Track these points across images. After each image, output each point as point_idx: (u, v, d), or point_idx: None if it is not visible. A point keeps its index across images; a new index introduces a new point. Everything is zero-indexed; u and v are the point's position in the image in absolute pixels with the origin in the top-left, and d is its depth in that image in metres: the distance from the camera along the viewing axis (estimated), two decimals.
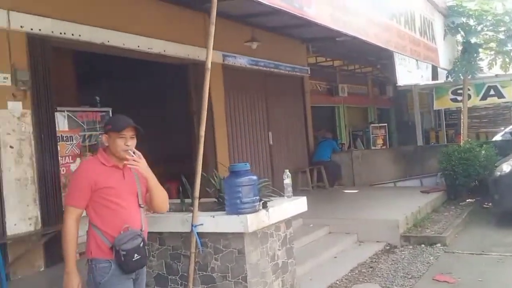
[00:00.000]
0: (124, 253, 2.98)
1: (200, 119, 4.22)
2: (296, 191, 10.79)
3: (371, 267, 6.35)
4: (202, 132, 4.19)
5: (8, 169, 5.75)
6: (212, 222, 4.15)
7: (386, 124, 17.35)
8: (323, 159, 12.23)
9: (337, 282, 5.83)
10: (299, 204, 4.90)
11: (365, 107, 19.98)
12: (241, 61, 9.96)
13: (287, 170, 4.96)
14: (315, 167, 12.02)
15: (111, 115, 8.08)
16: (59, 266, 6.13)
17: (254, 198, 4.12)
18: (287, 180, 4.87)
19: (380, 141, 16.18)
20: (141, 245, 3.09)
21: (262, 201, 4.30)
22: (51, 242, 6.12)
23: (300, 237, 6.96)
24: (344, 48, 12.91)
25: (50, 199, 6.23)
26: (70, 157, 7.36)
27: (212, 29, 4.05)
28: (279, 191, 5.14)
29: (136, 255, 3.03)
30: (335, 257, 6.75)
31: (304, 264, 6.05)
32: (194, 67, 8.73)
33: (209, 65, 4.08)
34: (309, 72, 12.73)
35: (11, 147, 5.81)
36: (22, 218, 5.88)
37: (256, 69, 10.48)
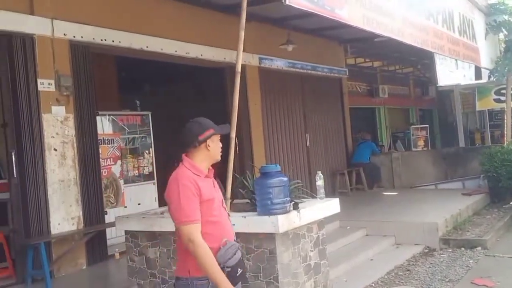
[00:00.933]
0: (229, 269, 2.76)
1: (231, 121, 4.29)
2: (334, 194, 10.85)
3: (408, 270, 6.26)
4: (233, 134, 4.28)
5: (52, 171, 6.02)
6: (244, 223, 4.21)
7: (427, 126, 16.97)
8: (362, 161, 12.10)
9: (373, 284, 5.79)
10: (331, 206, 4.90)
11: (406, 108, 19.62)
12: (278, 63, 10.02)
13: (319, 172, 4.97)
14: (354, 169, 11.91)
15: (150, 118, 8.32)
16: (100, 265, 6.41)
17: (285, 199, 4.15)
18: (319, 182, 4.88)
19: (421, 143, 15.85)
20: (242, 258, 2.91)
21: (293, 202, 4.33)
22: (92, 241, 6.37)
23: (336, 239, 6.95)
24: (384, 49, 12.75)
25: (91, 199, 6.48)
26: (111, 159, 7.62)
27: (242, 34, 4.12)
28: (311, 193, 5.16)
29: (239, 269, 2.83)
30: (371, 260, 6.69)
31: (340, 266, 6.04)
32: (230, 70, 8.80)
33: (239, 69, 4.15)
34: (347, 74, 12.65)
35: (55, 149, 6.08)
36: (66, 218, 6.14)
37: (293, 71, 10.51)
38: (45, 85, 6.02)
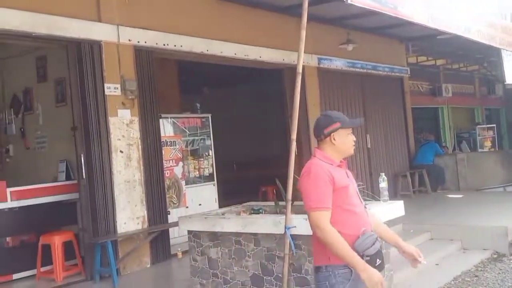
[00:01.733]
0: (368, 258, 2.70)
1: (292, 123, 4.27)
2: (397, 196, 10.58)
3: (476, 276, 6.00)
4: (294, 136, 4.26)
5: (118, 172, 6.25)
6: (305, 225, 4.16)
7: (494, 125, 16.21)
8: (425, 163, 11.74)
9: None
10: (395, 208, 4.77)
11: (471, 107, 18.85)
12: (337, 63, 9.91)
13: (383, 174, 4.86)
14: (417, 171, 11.57)
15: (210, 120, 8.46)
16: (163, 264, 6.57)
17: None
18: (383, 184, 4.77)
19: (488, 143, 15.18)
20: (380, 249, 2.83)
21: None
22: (156, 241, 6.55)
23: None
24: (448, 46, 12.31)
25: (155, 200, 6.67)
26: (174, 160, 7.80)
27: (303, 34, 4.10)
28: (375, 195, 5.05)
29: (378, 259, 2.76)
30: (436, 264, 6.45)
31: (404, 270, 5.84)
32: (289, 72, 8.82)
33: (300, 70, 4.13)
34: (409, 73, 12.32)
35: (121, 151, 6.30)
36: (131, 217, 6.35)
37: (353, 71, 10.37)
38: (111, 89, 6.25)
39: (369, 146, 10.73)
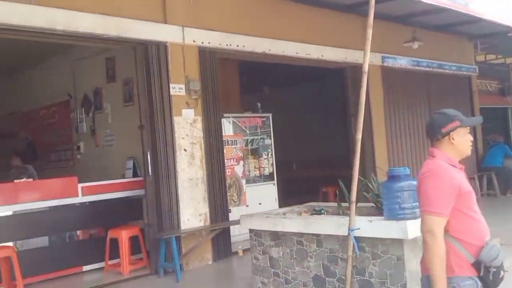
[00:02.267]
0: (495, 270, 2.51)
1: (357, 123, 4.20)
2: None
3: None
4: (359, 136, 4.17)
5: (182, 170, 6.39)
6: (369, 227, 4.10)
7: None
8: (494, 165, 11.21)
9: None
10: None
11: None
12: (401, 62, 9.67)
13: None
14: (485, 174, 11.08)
15: (271, 120, 8.48)
16: (225, 261, 6.66)
17: (414, 204, 3.96)
18: None
19: None
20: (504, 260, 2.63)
21: None
22: (217, 238, 6.65)
23: None
24: None
25: (217, 197, 6.77)
26: (234, 159, 7.89)
27: (370, 32, 4.02)
28: None
29: (502, 271, 2.57)
30: (506, 271, 6.14)
31: None
32: (351, 70, 8.71)
33: (366, 69, 4.05)
34: (477, 71, 11.81)
35: (185, 150, 6.45)
36: (194, 214, 6.48)
37: (418, 69, 10.08)
38: (176, 89, 6.41)
39: None
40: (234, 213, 7.34)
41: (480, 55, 13.09)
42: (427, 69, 10.25)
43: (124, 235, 6.29)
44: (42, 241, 6.48)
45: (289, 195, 8.97)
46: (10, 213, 6.07)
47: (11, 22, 5.17)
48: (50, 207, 6.34)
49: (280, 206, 7.61)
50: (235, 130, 8.04)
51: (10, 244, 5.98)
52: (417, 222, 3.94)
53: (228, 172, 7.58)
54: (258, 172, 8.30)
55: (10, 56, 8.53)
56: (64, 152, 9.41)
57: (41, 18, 5.34)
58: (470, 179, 10.73)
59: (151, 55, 6.25)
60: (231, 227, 6.94)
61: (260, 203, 8.01)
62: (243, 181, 8.01)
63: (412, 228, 3.89)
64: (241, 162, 8.00)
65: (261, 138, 8.39)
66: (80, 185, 6.50)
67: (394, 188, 3.92)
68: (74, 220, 6.66)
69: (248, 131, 8.21)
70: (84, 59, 8.39)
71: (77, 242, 6.85)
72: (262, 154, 8.37)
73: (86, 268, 6.56)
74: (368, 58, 4.06)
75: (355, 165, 4.20)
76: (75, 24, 5.59)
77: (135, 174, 7.31)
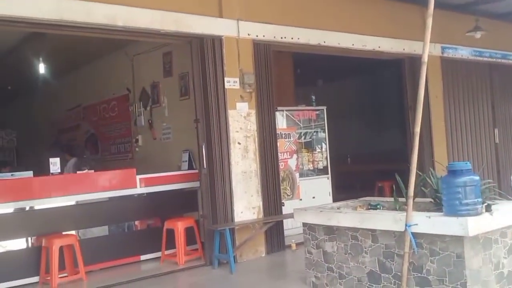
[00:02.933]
0: None
1: (415, 115, 4.08)
2: None
3: None
4: (418, 129, 4.05)
5: (236, 163, 6.45)
6: (428, 223, 3.98)
7: None
8: None
9: None
10: None
11: None
12: (463, 52, 9.31)
13: None
14: None
15: (325, 112, 8.39)
16: (278, 254, 6.67)
17: (476, 200, 3.81)
18: None
19: None
20: None
21: (485, 204, 3.95)
22: (271, 231, 6.67)
23: None
24: None
25: (270, 191, 6.78)
26: (288, 153, 7.88)
27: (430, 21, 3.88)
28: (506, 194, 4.66)
29: None
30: None
31: None
32: (409, 61, 8.47)
33: (426, 59, 3.92)
34: None
35: (239, 143, 6.50)
36: (247, 207, 6.53)
37: (480, 60, 9.67)
38: (231, 83, 6.46)
39: (497, 141, 9.94)
40: (288, 206, 7.33)
41: None
42: (490, 59, 9.81)
43: (180, 226, 6.42)
44: (102, 231, 6.74)
45: (344, 190, 8.86)
46: (73, 203, 6.34)
47: (74, 19, 5.38)
48: (110, 197, 6.57)
49: (334, 200, 7.53)
50: (289, 124, 8.02)
51: (73, 232, 6.25)
52: (479, 218, 3.81)
53: (282, 165, 7.57)
54: (311, 165, 8.25)
55: (72, 52, 8.90)
56: (123, 145, 9.72)
57: (102, 15, 5.52)
58: None
59: (206, 49, 6.32)
60: (284, 221, 6.94)
61: (313, 197, 7.97)
62: (297, 175, 7.98)
63: (473, 225, 3.74)
64: (295, 156, 7.98)
65: (315, 132, 8.33)
66: (138, 177, 6.67)
67: (455, 183, 3.78)
68: (132, 210, 6.88)
69: (301, 124, 8.17)
70: (142, 54, 8.61)
71: (135, 232, 7.07)
72: (316, 148, 8.31)
73: (143, 257, 6.75)
74: (427, 48, 3.94)
75: (413, 159, 4.08)
76: (134, 20, 5.74)
77: (190, 167, 7.45)
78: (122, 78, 9.36)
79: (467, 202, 3.76)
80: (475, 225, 3.77)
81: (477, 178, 3.85)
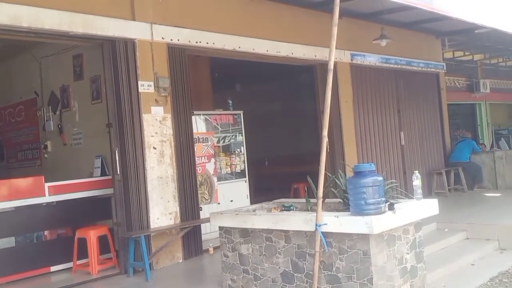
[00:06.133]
0: None
1: (323, 119, 4.25)
2: (431, 194, 10.37)
3: None
4: (325, 133, 4.23)
5: (151, 168, 6.34)
6: (336, 222, 4.16)
7: None
8: (462, 160, 11.44)
9: None
10: (429, 207, 4.69)
11: (510, 103, 18.25)
12: (371, 59, 9.78)
13: (417, 171, 4.77)
14: (452, 169, 11.31)
15: (242, 117, 8.49)
16: (195, 259, 6.64)
17: (380, 199, 4.04)
18: (416, 182, 4.68)
19: None
20: None
21: (388, 203, 4.19)
22: (188, 236, 6.62)
23: (434, 242, 6.62)
24: (486, 40, 11.97)
25: (187, 196, 6.74)
26: (206, 157, 7.87)
27: (335, 30, 4.06)
28: (408, 193, 4.97)
29: None
30: (472, 264, 6.29)
31: (437, 270, 5.74)
32: (321, 67, 8.77)
33: (332, 66, 4.10)
34: (445, 68, 12.04)
35: (154, 148, 6.39)
36: (164, 213, 6.44)
37: (387, 66, 10.21)
38: (145, 86, 6.35)
39: (403, 143, 10.55)
40: (206, 210, 7.34)
41: (448, 52, 13.33)
42: (395, 66, 10.39)
43: (92, 235, 6.20)
44: (8, 242, 6.34)
45: (261, 192, 9.00)
46: None
47: None
48: (16, 207, 6.21)
49: (252, 203, 7.62)
50: (208, 128, 8.03)
51: None
52: (383, 217, 4.04)
53: (199, 169, 7.55)
54: (229, 169, 8.31)
55: None
56: (31, 151, 9.23)
57: (5, 15, 5.21)
58: (438, 174, 10.97)
59: (118, 52, 6.17)
60: (202, 225, 6.94)
61: (231, 201, 8.02)
62: (215, 179, 8.00)
63: (377, 223, 3.96)
64: (213, 160, 7.99)
65: (233, 135, 8.39)
66: (46, 185, 6.39)
67: (360, 183, 3.98)
68: (41, 220, 6.54)
69: (220, 129, 8.20)
70: (51, 56, 8.24)
71: (44, 243, 6.71)
72: (233, 151, 8.38)
73: (54, 268, 6.45)
74: (333, 56, 4.11)
75: (322, 161, 4.25)
76: (40, 21, 5.46)
77: (103, 173, 7.22)
78: (29, 81, 8.89)
79: (372, 201, 3.97)
80: (379, 223, 3.99)
81: (380, 178, 4.07)
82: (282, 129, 11.74)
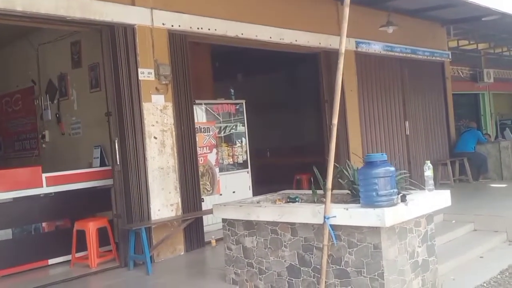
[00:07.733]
0: None
1: (333, 107, 4.06)
2: (436, 185, 10.16)
3: None
4: (335, 121, 4.03)
5: (152, 158, 6.16)
6: (346, 215, 3.98)
7: None
8: (467, 151, 11.29)
9: (484, 284, 5.28)
10: (441, 199, 4.51)
11: None
12: (376, 47, 9.60)
13: (428, 162, 4.59)
14: (457, 159, 11.16)
15: (244, 106, 8.31)
16: (197, 251, 6.49)
17: (392, 190, 3.86)
18: (428, 172, 4.50)
19: None
20: None
21: (401, 194, 4.02)
22: (190, 228, 6.46)
23: (442, 234, 6.47)
24: (491, 29, 11.77)
25: (189, 187, 6.57)
26: (207, 147, 7.70)
27: (347, 11, 3.86)
28: (419, 184, 4.80)
29: None
30: (481, 257, 6.15)
31: (446, 262, 5.59)
32: (325, 55, 8.59)
33: (343, 50, 3.90)
34: (450, 57, 11.85)
35: (155, 137, 6.21)
36: (165, 204, 6.27)
37: (392, 55, 10.04)
38: (145, 74, 6.15)
39: (407, 133, 10.40)
40: (207, 202, 7.18)
41: (453, 41, 13.14)
42: (400, 54, 10.22)
43: (91, 227, 6.04)
44: (5, 234, 6.18)
45: (263, 183, 8.83)
46: None
47: None
48: (13, 198, 6.06)
49: (254, 194, 7.47)
50: (208, 117, 7.84)
51: None
52: (395, 209, 3.86)
53: (201, 160, 7.39)
54: (231, 160, 8.14)
55: None
56: (28, 141, 9.07)
57: None
58: (443, 164, 10.81)
59: (118, 38, 5.96)
60: (204, 217, 6.78)
61: (234, 192, 7.87)
62: (217, 169, 7.83)
63: (389, 216, 3.79)
64: (214, 150, 7.82)
65: (234, 126, 8.22)
66: (44, 175, 6.22)
67: (371, 174, 3.80)
68: (38, 211, 6.38)
69: (221, 118, 8.02)
70: (48, 43, 8.04)
71: (42, 235, 6.55)
72: (235, 142, 8.21)
73: (52, 261, 6.29)
74: (344, 39, 3.91)
75: (331, 151, 4.06)
76: (36, 4, 5.24)
77: (102, 163, 7.05)
78: (26, 69, 8.69)
79: (383, 193, 3.80)
80: (391, 215, 3.82)
81: (392, 169, 3.90)
82: (284, 119, 11.55)
